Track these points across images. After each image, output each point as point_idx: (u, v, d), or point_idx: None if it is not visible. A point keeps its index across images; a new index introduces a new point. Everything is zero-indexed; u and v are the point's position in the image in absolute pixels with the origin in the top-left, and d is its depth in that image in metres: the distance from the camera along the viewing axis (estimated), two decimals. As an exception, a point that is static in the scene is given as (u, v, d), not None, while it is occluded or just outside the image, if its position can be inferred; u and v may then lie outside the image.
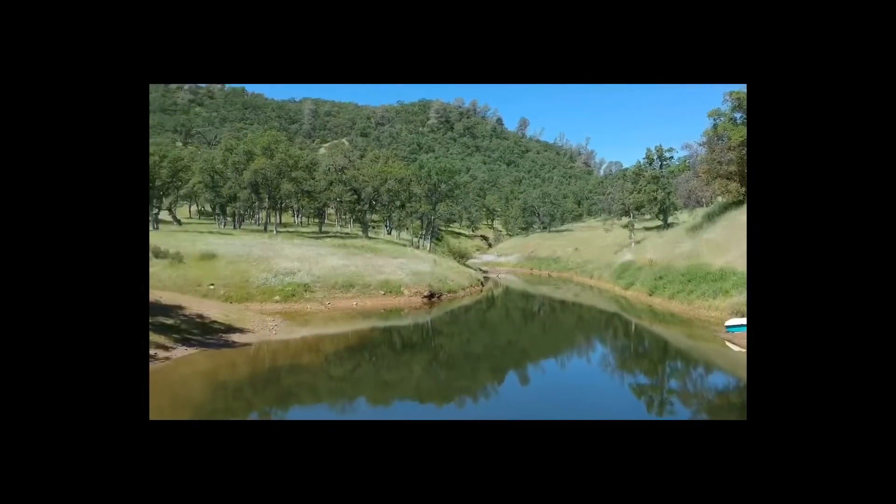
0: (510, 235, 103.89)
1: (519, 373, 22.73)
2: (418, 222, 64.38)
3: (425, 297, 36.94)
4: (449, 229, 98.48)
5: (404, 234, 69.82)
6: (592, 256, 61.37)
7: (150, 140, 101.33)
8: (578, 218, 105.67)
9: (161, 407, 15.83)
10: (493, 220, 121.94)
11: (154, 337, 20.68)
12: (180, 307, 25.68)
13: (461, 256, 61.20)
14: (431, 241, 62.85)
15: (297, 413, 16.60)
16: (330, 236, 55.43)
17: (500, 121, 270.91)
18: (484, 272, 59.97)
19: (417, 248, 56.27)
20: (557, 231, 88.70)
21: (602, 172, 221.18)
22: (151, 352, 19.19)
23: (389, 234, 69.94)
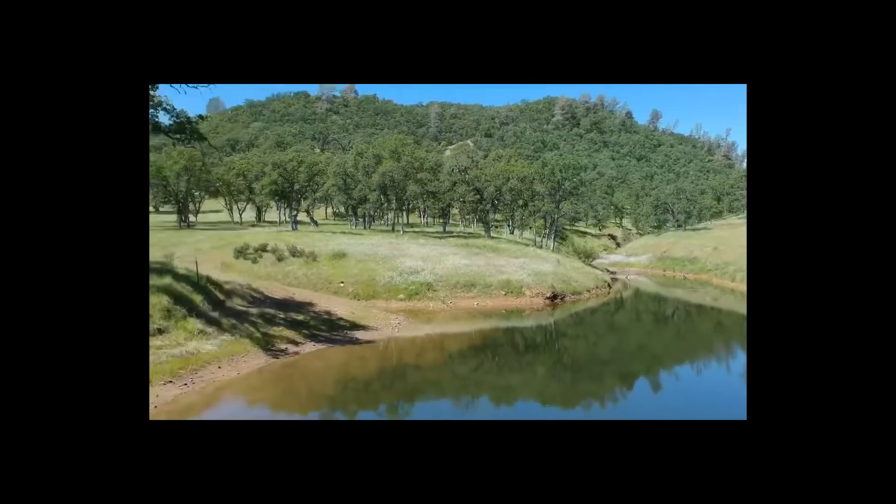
0: (641, 234, 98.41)
1: (650, 379, 21.11)
2: (541, 221, 63.01)
3: (547, 298, 35.86)
4: (574, 228, 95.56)
5: (527, 234, 68.72)
6: (734, 257, 56.10)
7: (293, 147, 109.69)
8: (718, 215, 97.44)
9: (300, 400, 16.72)
10: (621, 219, 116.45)
11: (286, 332, 21.92)
12: (311, 304, 27.07)
13: (587, 256, 58.93)
14: (555, 241, 61.24)
15: (421, 409, 16.84)
16: (453, 236, 56.01)
17: (629, 114, 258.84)
18: (611, 273, 57.20)
19: (540, 247, 55.07)
20: (694, 229, 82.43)
21: (745, 165, 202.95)
22: (283, 346, 20.34)
23: (512, 233, 69.30)
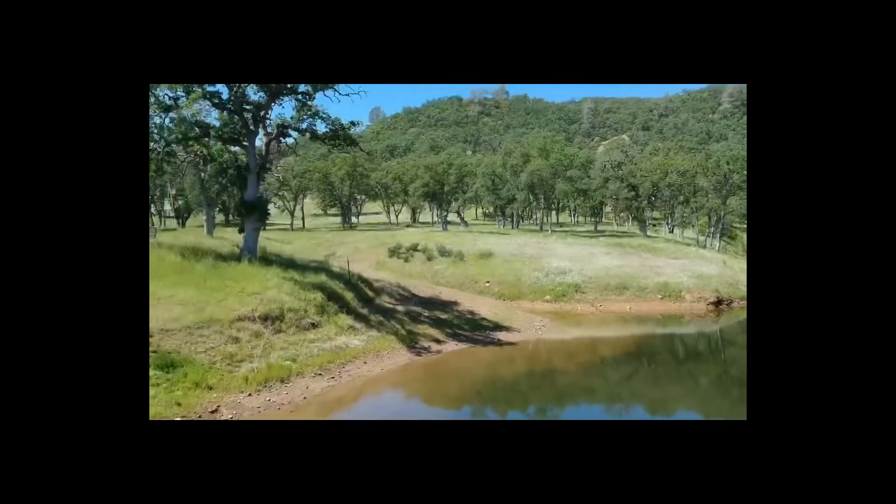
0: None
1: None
2: (705, 219, 57.67)
3: (711, 303, 32.46)
4: (744, 226, 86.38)
5: (689, 233, 63.39)
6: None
7: (446, 150, 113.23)
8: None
9: (448, 396, 17.02)
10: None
11: (430, 330, 22.24)
12: (455, 303, 27.28)
13: (760, 257, 52.64)
14: (721, 240, 55.68)
15: (571, 414, 16.36)
16: (605, 235, 53.51)
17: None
18: (790, 276, 50.48)
19: (704, 247, 50.42)
20: None
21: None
22: (426, 344, 20.61)
23: (671, 232, 64.42)
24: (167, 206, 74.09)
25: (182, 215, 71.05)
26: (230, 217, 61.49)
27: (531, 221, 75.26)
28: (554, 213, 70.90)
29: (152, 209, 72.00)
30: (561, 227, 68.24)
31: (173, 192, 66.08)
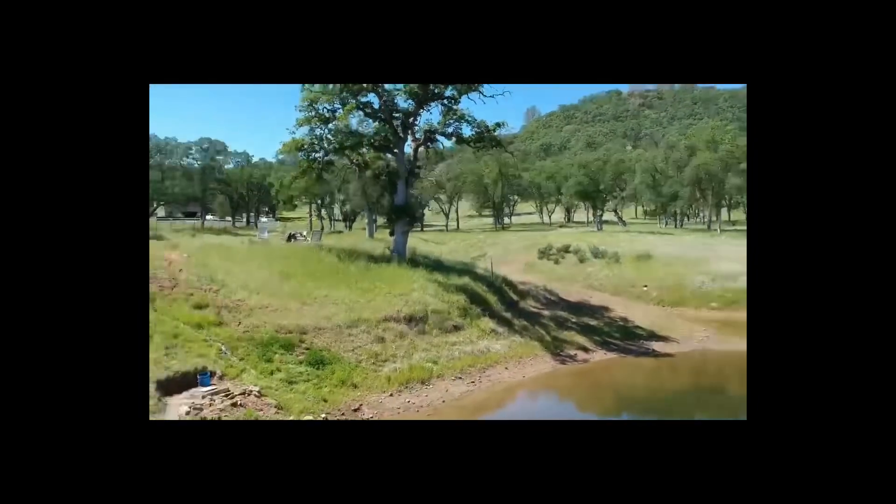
0: None
1: None
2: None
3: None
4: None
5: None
6: None
7: (603, 147, 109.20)
8: None
9: (603, 409, 16.29)
10: None
11: (576, 337, 21.16)
12: (606, 308, 25.80)
13: None
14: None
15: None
16: (787, 234, 47.39)
17: None
18: None
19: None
20: None
21: None
22: (571, 352, 19.62)
23: (875, 230, 55.28)
24: (336, 211, 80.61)
25: (349, 219, 76.78)
26: (390, 220, 65.00)
27: (698, 220, 69.37)
28: (724, 210, 64.50)
29: (322, 213, 78.95)
30: (733, 225, 61.87)
31: (341, 197, 71.58)
